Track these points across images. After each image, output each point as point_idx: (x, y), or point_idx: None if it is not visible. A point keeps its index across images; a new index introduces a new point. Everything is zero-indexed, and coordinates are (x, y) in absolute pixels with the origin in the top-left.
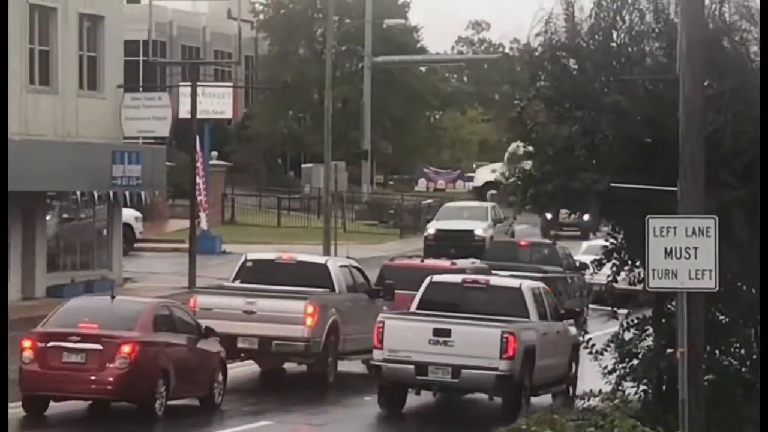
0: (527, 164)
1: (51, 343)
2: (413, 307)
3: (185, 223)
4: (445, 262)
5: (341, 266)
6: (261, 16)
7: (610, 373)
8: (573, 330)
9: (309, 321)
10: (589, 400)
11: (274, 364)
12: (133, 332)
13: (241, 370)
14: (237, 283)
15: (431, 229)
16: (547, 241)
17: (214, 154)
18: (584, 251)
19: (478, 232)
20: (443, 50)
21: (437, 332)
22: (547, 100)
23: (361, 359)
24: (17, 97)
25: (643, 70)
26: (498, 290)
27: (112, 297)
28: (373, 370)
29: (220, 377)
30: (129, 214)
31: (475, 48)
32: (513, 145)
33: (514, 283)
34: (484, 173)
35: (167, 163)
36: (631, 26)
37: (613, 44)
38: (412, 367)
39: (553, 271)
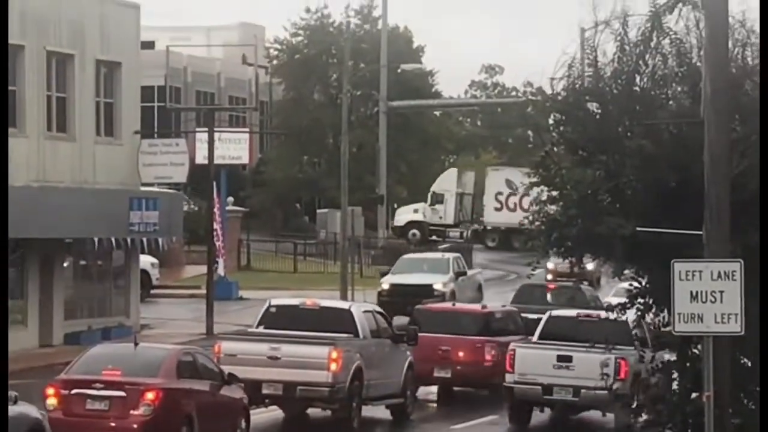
0: (551, 208)
1: (75, 391)
2: (535, 338)
3: (202, 269)
4: (476, 306)
5: (365, 311)
6: (275, 62)
7: (636, 416)
8: (666, 356)
9: (333, 366)
10: None
11: (298, 410)
12: (156, 379)
13: (262, 416)
14: (261, 329)
15: (385, 284)
16: (572, 284)
17: (230, 199)
18: (614, 293)
19: (438, 286)
20: (457, 94)
21: (560, 358)
22: (571, 144)
23: (384, 404)
24: (35, 144)
25: (667, 113)
26: (607, 322)
27: (135, 344)
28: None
29: (243, 423)
30: (145, 261)
31: (488, 92)
32: (435, 185)
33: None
34: (406, 213)
35: (185, 208)
36: (654, 70)
37: (637, 88)
38: (539, 387)
39: None
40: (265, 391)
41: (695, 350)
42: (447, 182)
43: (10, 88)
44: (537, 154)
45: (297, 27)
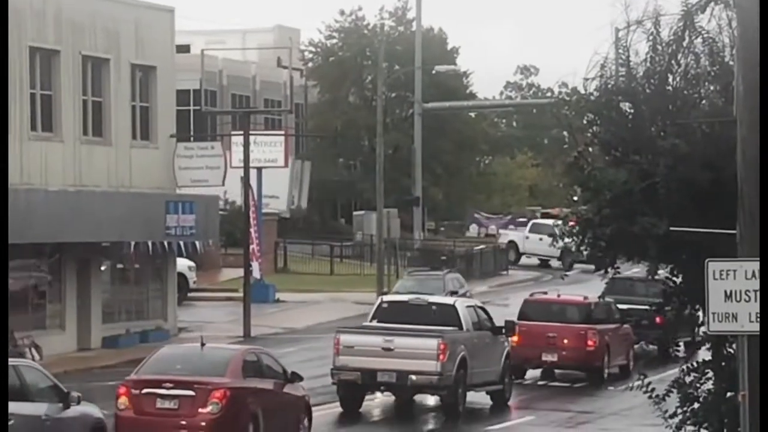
0: (584, 209)
1: (145, 390)
2: None
3: (238, 272)
4: (579, 297)
5: (467, 306)
6: (310, 64)
7: (671, 417)
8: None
9: (441, 356)
10: None
11: (409, 396)
12: (223, 378)
13: (323, 413)
14: (375, 323)
15: None
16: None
17: (266, 202)
18: None
19: None
20: (492, 95)
21: None
22: (604, 145)
23: (485, 390)
24: (71, 149)
25: (700, 113)
26: None
27: (202, 344)
28: None
29: (306, 421)
30: (182, 264)
31: (523, 93)
32: None
33: None
34: None
35: (220, 212)
36: (687, 70)
37: (669, 88)
38: None
39: None
40: (380, 379)
41: (730, 349)
42: None
43: (46, 92)
44: (571, 155)
45: (331, 29)
